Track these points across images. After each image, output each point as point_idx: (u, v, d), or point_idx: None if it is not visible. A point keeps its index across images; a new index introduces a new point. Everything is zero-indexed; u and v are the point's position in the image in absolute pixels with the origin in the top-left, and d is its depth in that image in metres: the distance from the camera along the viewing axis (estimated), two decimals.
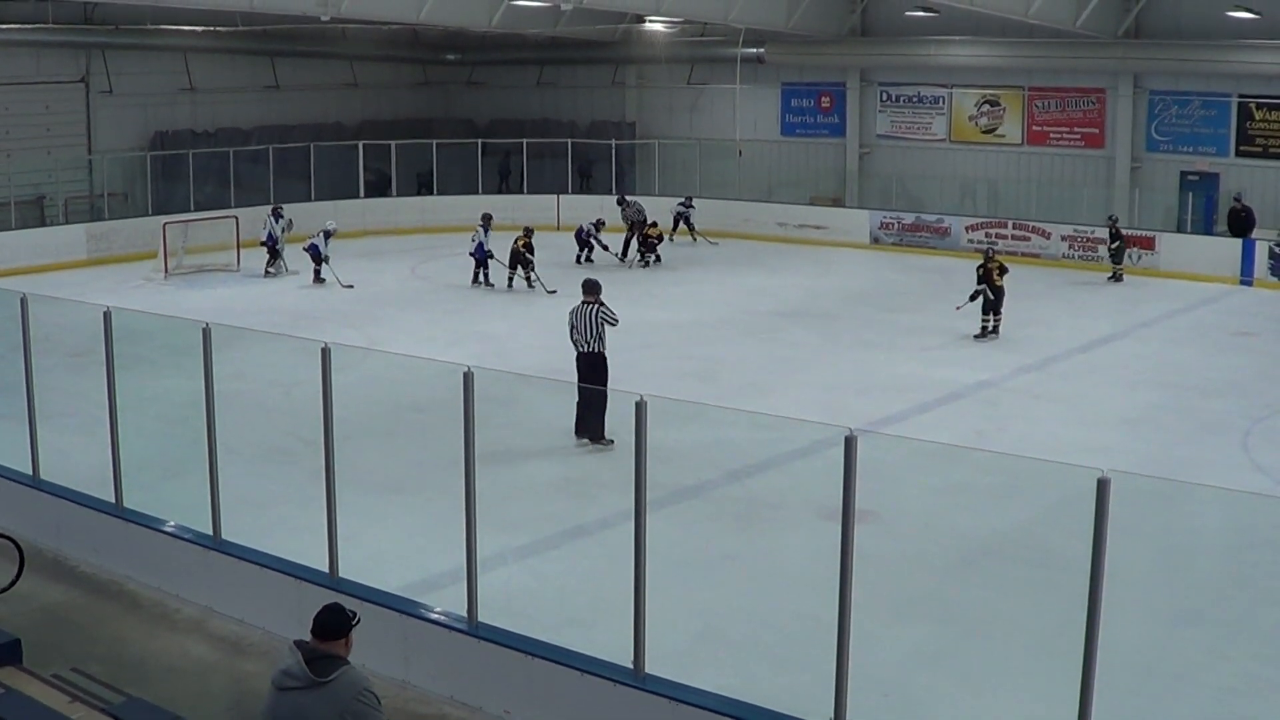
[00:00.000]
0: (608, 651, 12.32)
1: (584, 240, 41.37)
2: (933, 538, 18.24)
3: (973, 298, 30.55)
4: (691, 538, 17.66)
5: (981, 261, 30.94)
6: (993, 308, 30.52)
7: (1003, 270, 30.79)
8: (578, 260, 41.19)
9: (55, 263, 41.22)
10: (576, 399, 21.82)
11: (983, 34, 43.93)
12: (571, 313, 22.57)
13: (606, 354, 22.46)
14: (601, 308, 22.37)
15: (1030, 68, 45.18)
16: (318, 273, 38.41)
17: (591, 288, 22.72)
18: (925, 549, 17.76)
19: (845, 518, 10.66)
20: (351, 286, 37.94)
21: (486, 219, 38.28)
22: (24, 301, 17.51)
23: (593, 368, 22.24)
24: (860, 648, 10.95)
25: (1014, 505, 18.98)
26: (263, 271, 40.11)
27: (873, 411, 23.76)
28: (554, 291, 35.23)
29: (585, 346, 22.37)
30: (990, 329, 30.63)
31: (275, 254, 40.23)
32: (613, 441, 20.94)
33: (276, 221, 40.37)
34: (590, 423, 21.79)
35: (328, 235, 38.58)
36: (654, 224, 42.24)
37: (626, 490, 12.06)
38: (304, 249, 38.64)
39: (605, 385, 21.69)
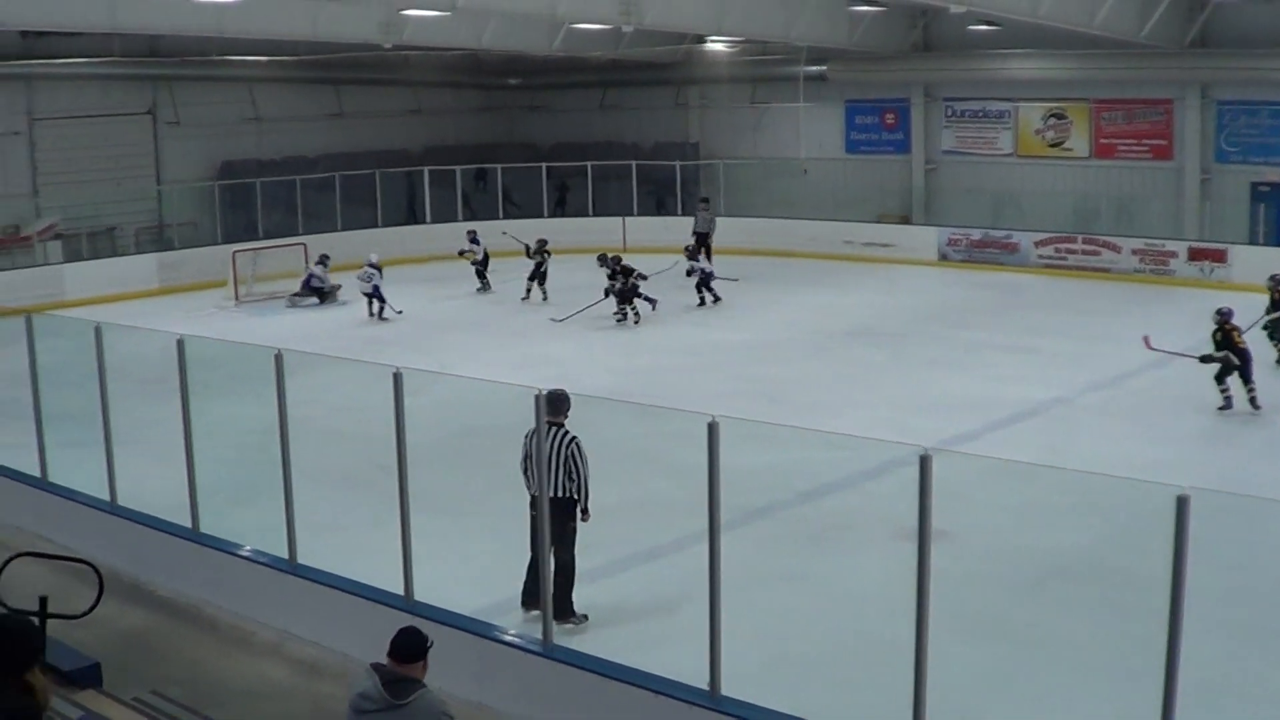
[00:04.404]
0: (681, 673, 12.29)
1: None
2: (1006, 557, 18.11)
3: (1204, 359, 26.06)
4: (763, 558, 17.62)
5: (1219, 325, 25.99)
6: (1241, 373, 25.87)
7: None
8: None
9: (127, 292, 41.52)
10: (529, 557, 15.65)
11: (1047, 46, 43.56)
12: (527, 437, 15.35)
13: (584, 504, 15.59)
14: (572, 436, 15.46)
15: (1096, 79, 44.72)
16: (380, 310, 38.50)
17: (557, 404, 15.46)
18: (998, 568, 17.65)
19: (921, 538, 10.59)
20: (400, 312, 38.16)
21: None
22: (98, 331, 17.69)
23: (557, 520, 15.07)
24: (933, 668, 10.89)
25: (1089, 524, 18.82)
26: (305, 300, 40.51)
27: (943, 430, 23.58)
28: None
29: (551, 488, 15.00)
30: (1250, 399, 25.80)
31: (316, 293, 40.48)
32: (586, 617, 15.46)
33: (324, 267, 40.76)
34: (554, 595, 14.75)
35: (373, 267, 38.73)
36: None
37: (696, 512, 12.03)
38: (364, 293, 38.59)
39: (572, 545, 15.50)
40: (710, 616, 11.82)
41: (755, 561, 17.05)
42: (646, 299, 36.18)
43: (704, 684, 11.93)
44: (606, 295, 36.21)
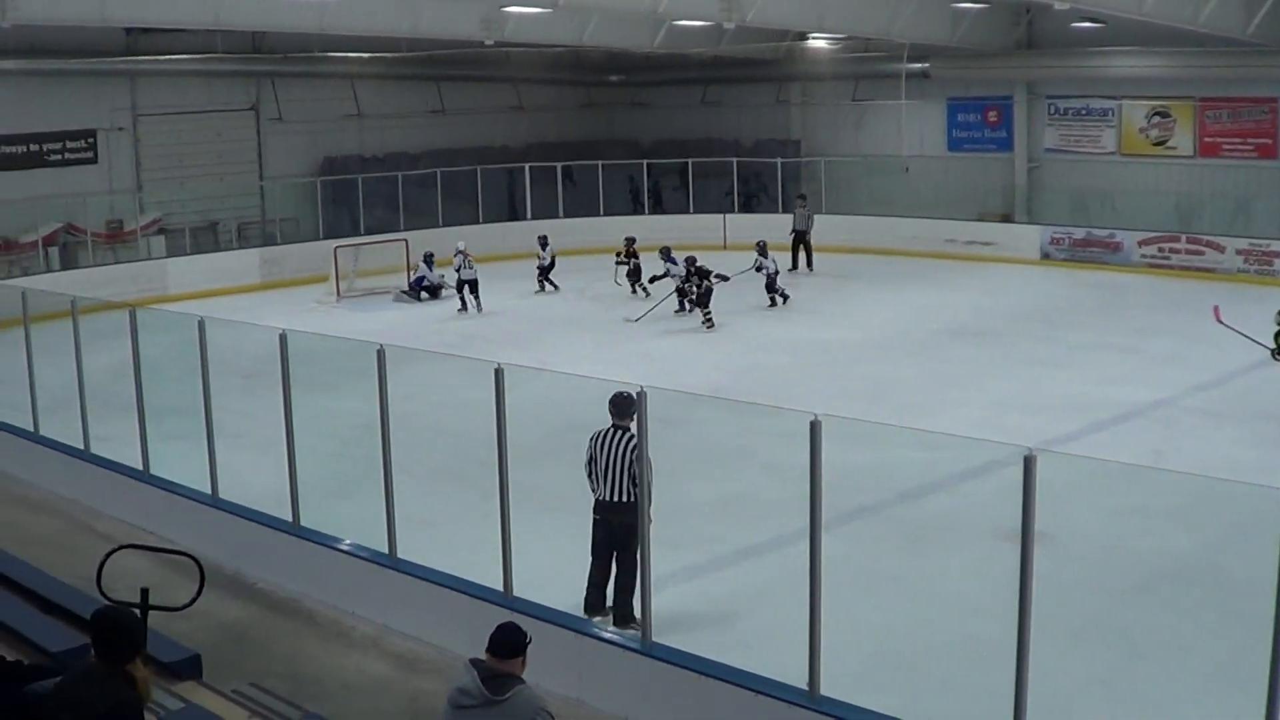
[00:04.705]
0: (779, 672, 12.25)
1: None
2: (1109, 560, 17.96)
3: (1276, 354, 27.33)
4: (863, 558, 17.53)
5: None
6: None
7: None
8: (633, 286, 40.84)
9: (229, 287, 41.97)
10: (591, 564, 15.80)
11: (1151, 44, 43.00)
12: (593, 440, 15.59)
13: (646, 507, 14.35)
14: (637, 440, 14.45)
15: (1200, 77, 44.09)
16: (472, 300, 38.83)
17: (623, 407, 15.31)
18: (1101, 572, 17.49)
19: (1025, 539, 10.50)
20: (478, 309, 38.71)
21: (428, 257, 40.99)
22: (201, 325, 17.82)
23: (620, 527, 15.19)
24: (1034, 672, 10.80)
25: (1194, 527, 18.66)
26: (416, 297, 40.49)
27: (1045, 431, 23.41)
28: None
29: (611, 493, 15.39)
30: None
31: (428, 290, 40.62)
32: (639, 622, 14.02)
33: (430, 265, 40.85)
34: (616, 600, 15.43)
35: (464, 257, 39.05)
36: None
37: (795, 510, 11.99)
38: (465, 280, 38.82)
39: (636, 550, 14.41)
40: (810, 615, 11.77)
41: (855, 561, 16.97)
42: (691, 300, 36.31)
43: (803, 684, 11.88)
44: (681, 295, 36.50)
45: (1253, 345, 28.98)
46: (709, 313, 35.09)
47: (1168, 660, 14.86)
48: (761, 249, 38.52)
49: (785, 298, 38.23)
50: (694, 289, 35.60)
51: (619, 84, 59.87)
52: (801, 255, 44.72)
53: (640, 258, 39.75)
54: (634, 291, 39.63)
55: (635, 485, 14.89)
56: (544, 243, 42.25)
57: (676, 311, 36.64)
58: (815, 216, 45.80)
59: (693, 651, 13.10)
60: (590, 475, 15.58)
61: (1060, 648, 14.09)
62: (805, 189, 50.73)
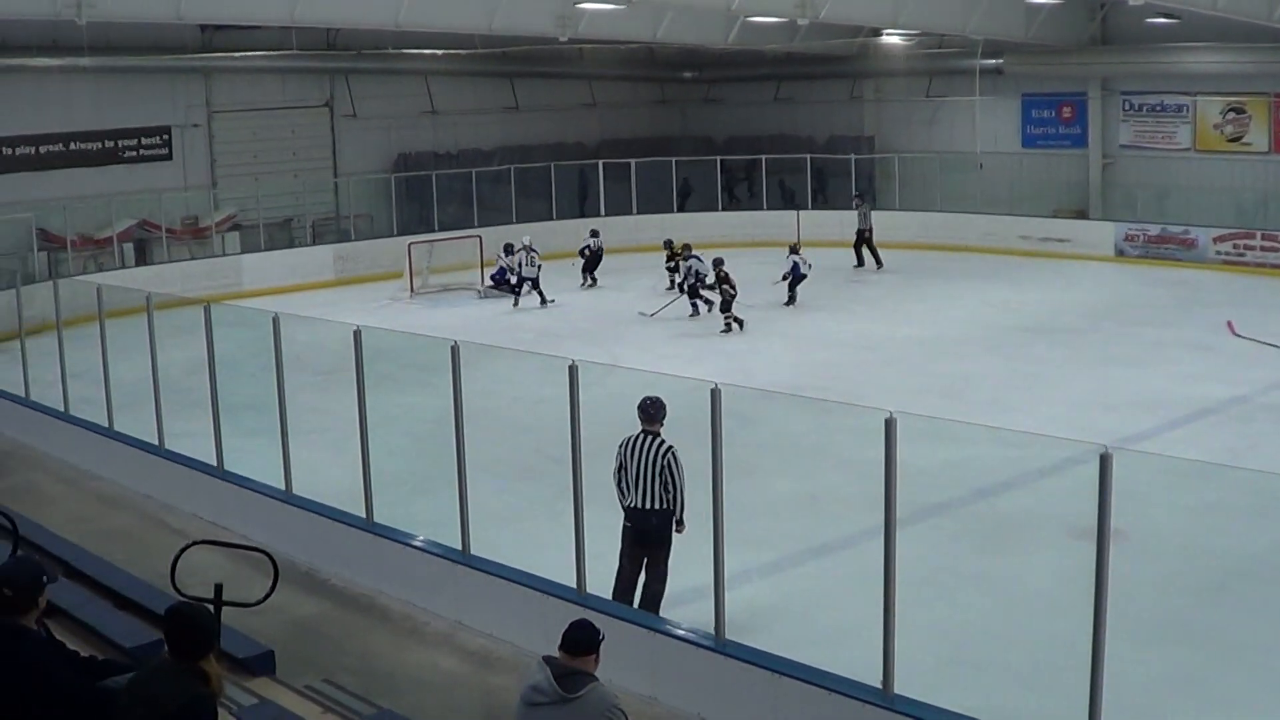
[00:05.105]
0: (853, 670, 12.19)
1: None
2: (1185, 559, 17.85)
3: None
4: (938, 556, 17.47)
5: None
6: None
7: None
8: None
9: (303, 283, 42.30)
10: (618, 571, 15.46)
11: (1226, 40, 42.71)
12: (622, 446, 15.12)
13: (680, 515, 15.02)
14: (668, 446, 14.92)
15: (1276, 73, 43.60)
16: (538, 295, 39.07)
17: (654, 412, 15.18)
18: (1177, 570, 17.37)
19: (1100, 538, 10.42)
20: (552, 301, 39.09)
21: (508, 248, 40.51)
22: (276, 321, 17.84)
23: (652, 534, 15.15)
24: (1110, 671, 10.70)
25: (1271, 526, 18.52)
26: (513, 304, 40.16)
27: (1121, 428, 23.29)
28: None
29: (643, 500, 15.01)
30: None
31: (509, 285, 40.49)
32: None
33: (510, 255, 40.76)
34: (644, 607, 15.12)
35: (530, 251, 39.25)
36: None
37: (869, 508, 11.96)
38: (528, 278, 38.97)
39: (667, 558, 15.12)
40: (885, 613, 11.71)
41: (929, 559, 16.93)
42: (706, 301, 36.21)
43: (877, 682, 11.83)
44: (693, 295, 36.38)
45: None
46: (730, 317, 34.75)
47: (1244, 659, 14.74)
48: (793, 249, 38.70)
49: (789, 300, 38.11)
50: (713, 292, 35.42)
51: (692, 80, 59.99)
52: (867, 254, 44.57)
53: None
54: (670, 287, 39.59)
55: (666, 492, 14.86)
56: (595, 234, 42.96)
57: (691, 316, 36.41)
58: (873, 213, 45.56)
59: (766, 649, 13.04)
60: (619, 483, 15.15)
61: (1136, 646, 13.97)
62: (869, 187, 50.74)
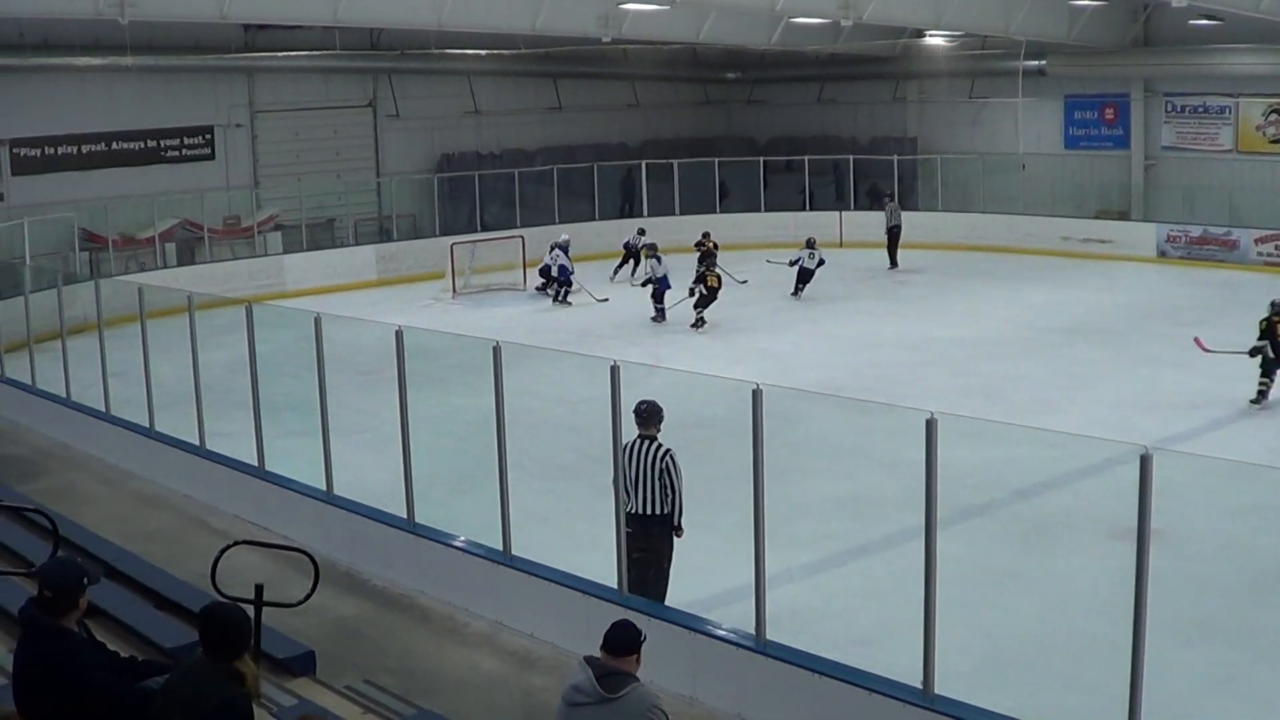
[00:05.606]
0: (893, 671, 12.20)
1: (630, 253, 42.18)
2: (1226, 559, 17.79)
3: (1252, 353, 26.37)
4: (978, 557, 17.43)
5: (1267, 315, 26.36)
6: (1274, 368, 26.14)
7: None
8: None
9: (346, 283, 42.44)
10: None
11: (1269, 41, 42.52)
12: (623, 450, 14.67)
13: (678, 520, 15.04)
14: (666, 449, 14.85)
15: None
16: (564, 293, 39.29)
17: (649, 416, 15.04)
18: (1217, 570, 17.32)
19: (1140, 538, 10.40)
20: (606, 299, 39.24)
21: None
22: (318, 321, 17.90)
23: (651, 538, 15.02)
24: (1150, 670, 10.69)
25: None
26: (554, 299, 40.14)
27: (1162, 429, 23.27)
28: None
29: (643, 505, 14.89)
30: (1264, 393, 25.96)
31: (556, 281, 40.43)
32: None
33: (564, 252, 40.68)
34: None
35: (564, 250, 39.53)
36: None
37: (910, 508, 11.96)
38: (556, 274, 39.14)
39: (667, 570, 15.17)
40: (925, 614, 11.70)
41: (970, 559, 16.87)
42: (660, 310, 36.33)
43: (917, 682, 11.83)
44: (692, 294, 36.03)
45: None
46: (700, 315, 35.07)
47: None
48: (809, 243, 39.08)
49: (796, 291, 38.65)
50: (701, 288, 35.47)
51: (735, 81, 59.96)
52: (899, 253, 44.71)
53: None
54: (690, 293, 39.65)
55: (666, 495, 14.79)
56: (642, 233, 42.86)
57: (652, 319, 36.46)
58: (911, 214, 45.76)
59: (807, 649, 13.05)
60: (615, 484, 14.73)
61: (1176, 647, 13.97)
62: (921, 187, 50.76)
